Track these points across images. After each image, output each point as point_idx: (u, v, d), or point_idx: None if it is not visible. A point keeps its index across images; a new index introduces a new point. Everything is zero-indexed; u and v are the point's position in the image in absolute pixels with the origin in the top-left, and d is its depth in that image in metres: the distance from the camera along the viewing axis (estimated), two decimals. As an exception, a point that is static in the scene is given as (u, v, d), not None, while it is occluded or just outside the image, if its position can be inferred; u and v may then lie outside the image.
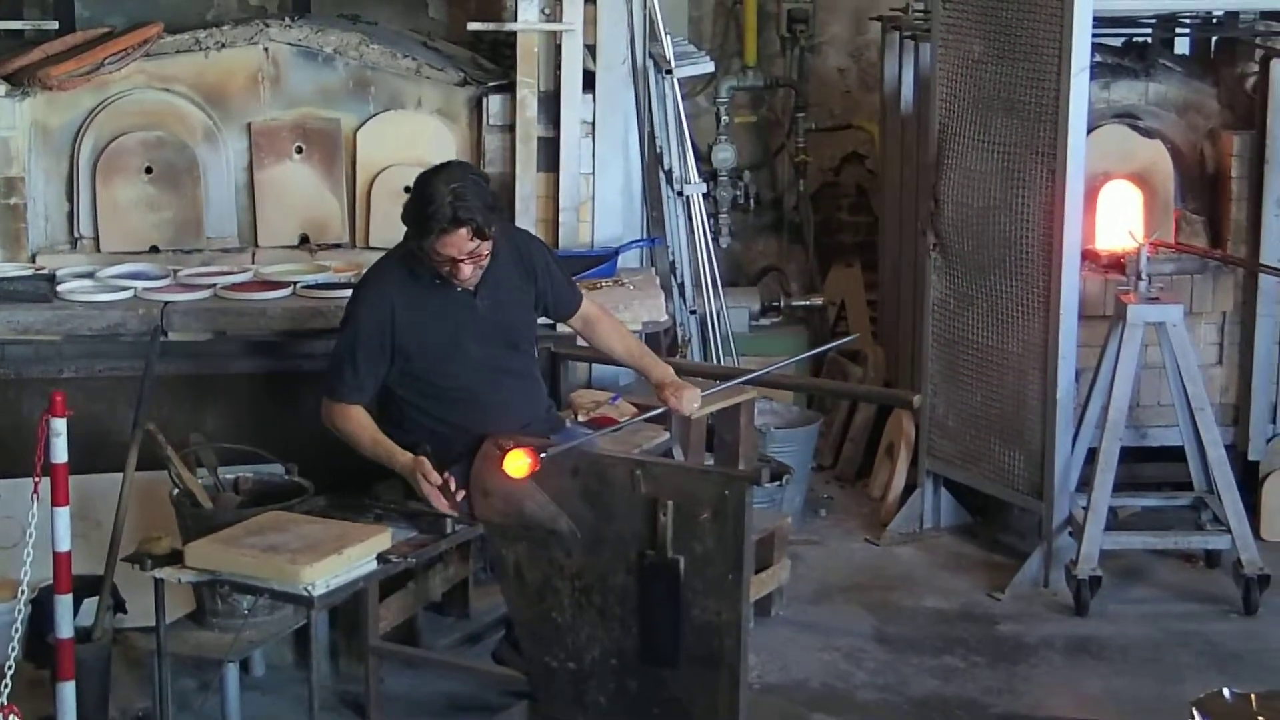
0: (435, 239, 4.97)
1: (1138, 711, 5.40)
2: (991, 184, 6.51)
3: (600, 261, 6.58)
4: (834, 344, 6.73)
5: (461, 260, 5.01)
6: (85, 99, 6.55)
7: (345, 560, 4.62)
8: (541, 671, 4.97)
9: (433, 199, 4.95)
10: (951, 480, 6.92)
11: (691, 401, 5.45)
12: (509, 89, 6.69)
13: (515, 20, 6.66)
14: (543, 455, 4.75)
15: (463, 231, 4.95)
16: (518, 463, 4.77)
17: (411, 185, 5.14)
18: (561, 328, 5.81)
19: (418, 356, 5.15)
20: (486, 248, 5.03)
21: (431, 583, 5.69)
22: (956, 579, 6.53)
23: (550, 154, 6.72)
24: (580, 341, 5.83)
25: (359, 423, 5.16)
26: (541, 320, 5.63)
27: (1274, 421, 7.02)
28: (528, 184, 6.69)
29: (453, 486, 4.97)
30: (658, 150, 7.00)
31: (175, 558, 4.72)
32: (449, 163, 5.25)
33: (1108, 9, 6.44)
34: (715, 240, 7.63)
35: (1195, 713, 4.03)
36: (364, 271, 5.44)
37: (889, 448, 7.32)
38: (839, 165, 9.00)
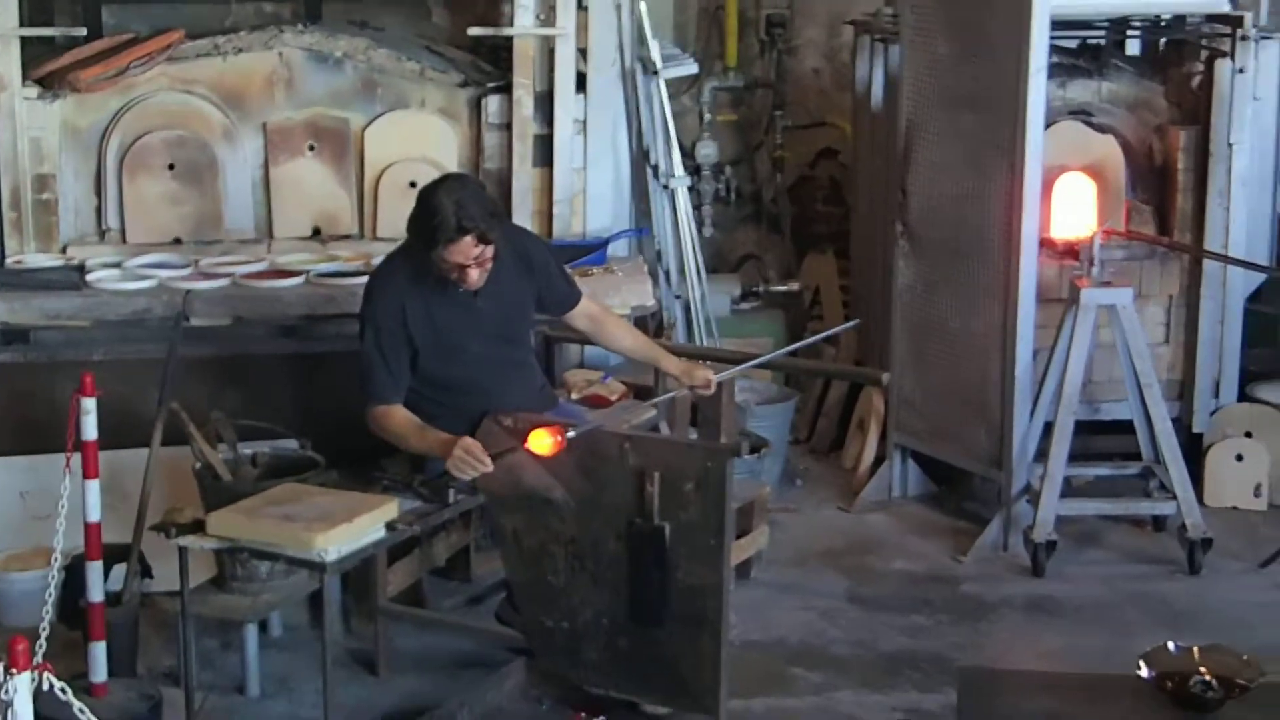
0: (442, 248, 4.93)
1: (1091, 664, 5.38)
2: (956, 176, 6.51)
3: (591, 251, 6.59)
4: (836, 329, 6.64)
5: (468, 266, 4.98)
6: (112, 101, 6.54)
7: (356, 529, 4.61)
8: (539, 631, 4.97)
9: (437, 211, 4.91)
10: (918, 452, 6.93)
11: (712, 377, 5.34)
12: (507, 90, 6.71)
13: (512, 26, 6.67)
14: (570, 435, 4.70)
15: (468, 239, 4.92)
16: (542, 441, 4.72)
17: (416, 195, 5.07)
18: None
19: (423, 353, 5.11)
20: (490, 252, 5.00)
21: (436, 549, 5.69)
22: (923, 544, 6.54)
23: (545, 150, 6.73)
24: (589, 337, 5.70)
25: (403, 420, 5.05)
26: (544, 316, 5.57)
27: (1216, 396, 7.01)
28: (524, 178, 6.70)
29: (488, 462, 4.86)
30: (645, 146, 7.00)
31: (198, 527, 4.71)
32: (448, 175, 5.17)
33: (1064, 13, 6.42)
34: (699, 230, 7.60)
35: (1142, 664, 4.02)
36: (370, 276, 5.34)
37: (860, 422, 7.33)
38: (814, 160, 8.97)
